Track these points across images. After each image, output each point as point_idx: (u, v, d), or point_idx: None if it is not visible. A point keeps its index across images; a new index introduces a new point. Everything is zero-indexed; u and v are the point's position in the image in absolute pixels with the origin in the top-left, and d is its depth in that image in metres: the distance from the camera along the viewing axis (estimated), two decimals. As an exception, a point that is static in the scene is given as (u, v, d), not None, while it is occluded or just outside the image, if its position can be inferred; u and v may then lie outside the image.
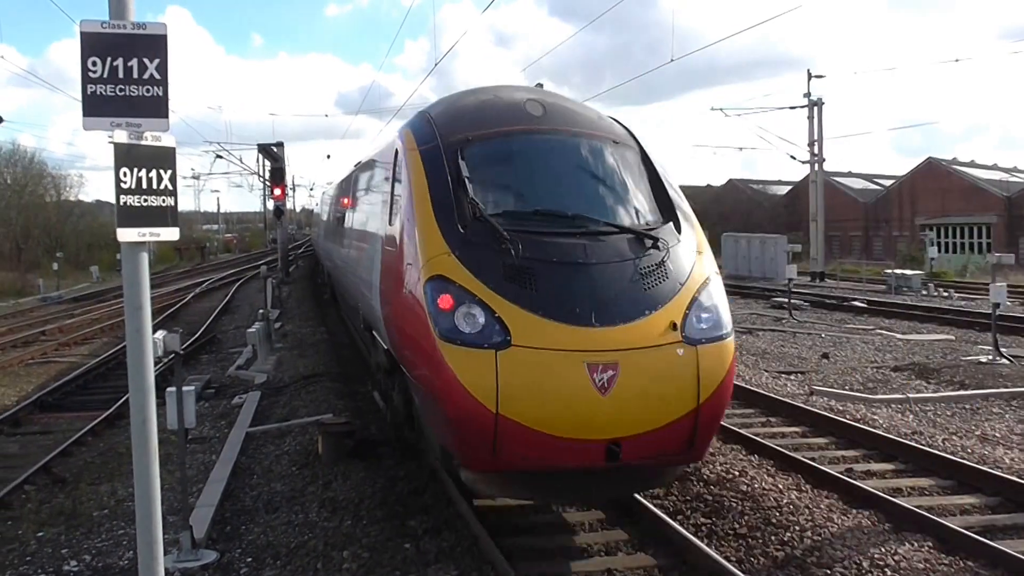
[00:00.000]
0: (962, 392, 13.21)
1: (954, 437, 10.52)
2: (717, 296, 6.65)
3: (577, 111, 7.96)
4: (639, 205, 7.11)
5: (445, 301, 6.01)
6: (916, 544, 6.89)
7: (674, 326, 6.17)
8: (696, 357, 6.10)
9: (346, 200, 15.12)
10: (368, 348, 11.78)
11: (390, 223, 7.95)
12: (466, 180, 6.72)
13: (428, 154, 7.12)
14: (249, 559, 7.14)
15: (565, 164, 7.20)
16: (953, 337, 19.48)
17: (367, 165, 12.25)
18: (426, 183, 6.88)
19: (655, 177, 7.40)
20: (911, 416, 11.76)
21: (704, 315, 6.40)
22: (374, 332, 9.25)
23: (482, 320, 5.92)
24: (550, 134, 7.29)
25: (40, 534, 7.99)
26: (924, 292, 30.76)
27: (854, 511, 7.68)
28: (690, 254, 6.75)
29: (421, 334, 6.17)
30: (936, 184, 64.43)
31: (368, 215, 10.71)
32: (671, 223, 6.97)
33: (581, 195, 7.03)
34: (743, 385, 13.35)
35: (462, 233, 6.40)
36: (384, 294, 7.81)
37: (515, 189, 7.06)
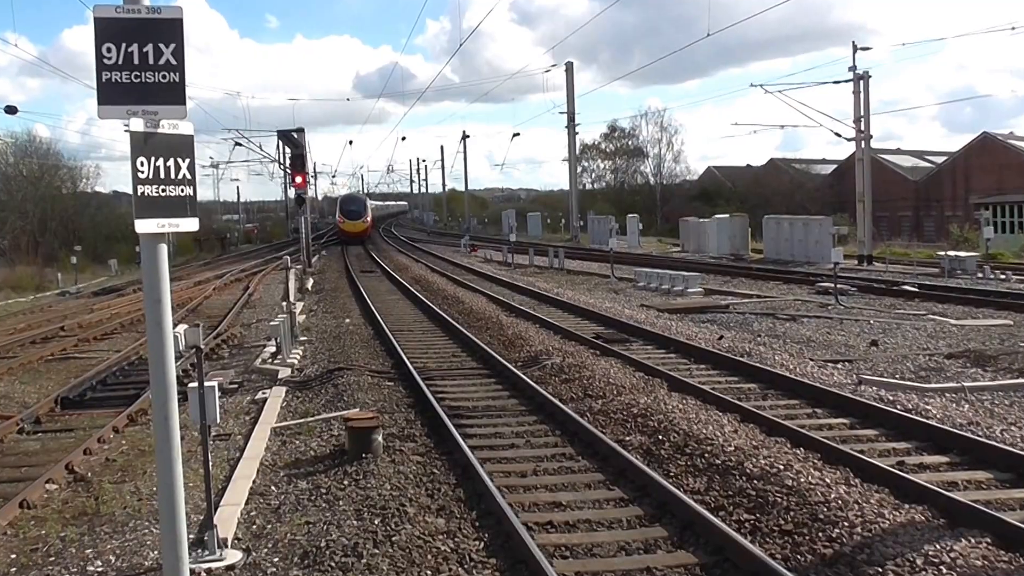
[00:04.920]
0: (1021, 380, 13.04)
1: (1013, 428, 10.38)
2: (369, 217, 70.63)
3: (357, 193, 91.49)
4: (364, 206, 70.31)
5: (340, 218, 69.25)
6: (973, 540, 6.81)
7: (363, 221, 68.42)
8: (367, 223, 69.66)
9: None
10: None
11: (335, 210, 75.69)
12: (341, 204, 71.68)
13: (339, 200, 75.11)
14: (276, 559, 7.21)
15: (354, 201, 71.89)
16: (1012, 322, 19.21)
17: (335, 198, 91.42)
18: (337, 205, 73.57)
19: (367, 201, 73.22)
20: (967, 406, 11.62)
21: (371, 218, 72.04)
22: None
23: (340, 220, 68.69)
24: (356, 197, 76.17)
25: (64, 534, 8.12)
26: (979, 275, 30.33)
27: (906, 506, 7.61)
28: (368, 213, 70.00)
29: (338, 223, 70.61)
30: (991, 160, 63.48)
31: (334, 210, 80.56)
32: (367, 209, 70.95)
33: (355, 204, 70.49)
34: (786, 375, 13.29)
35: (341, 209, 69.92)
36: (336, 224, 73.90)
37: (346, 205, 70.48)
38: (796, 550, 6.97)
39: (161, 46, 5.10)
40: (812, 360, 15.00)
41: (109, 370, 16.87)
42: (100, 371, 16.74)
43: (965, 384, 12.71)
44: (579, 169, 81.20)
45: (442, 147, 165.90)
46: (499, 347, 17.14)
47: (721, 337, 17.42)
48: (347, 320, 22.60)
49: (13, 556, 7.68)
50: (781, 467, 8.70)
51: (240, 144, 60.95)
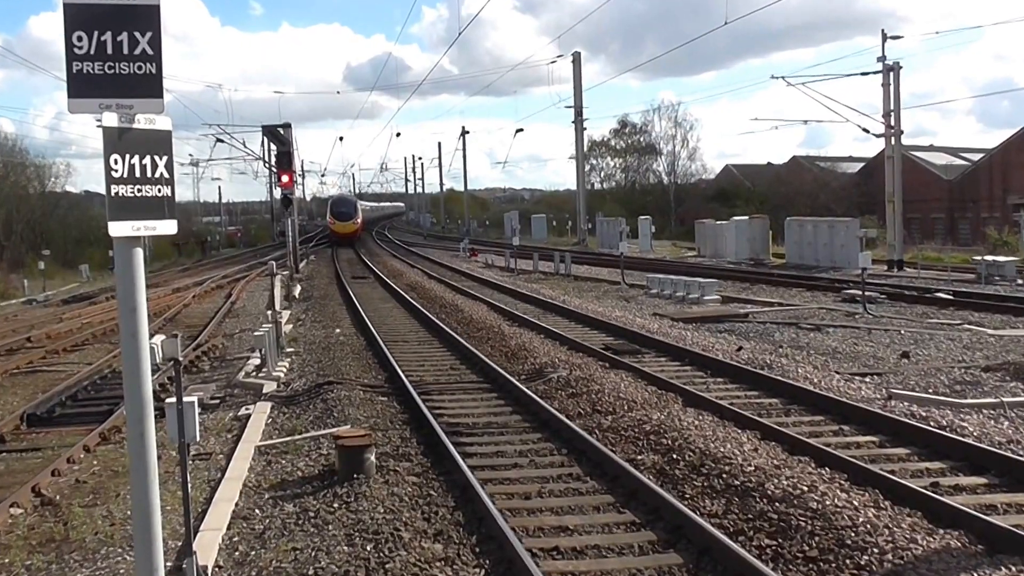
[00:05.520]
0: (1063, 394, 13.01)
1: (1055, 446, 10.37)
2: (360, 219, 76.00)
3: (348, 194, 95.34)
4: (354, 207, 76.12)
5: (331, 220, 75.49)
6: (1014, 568, 6.80)
7: (353, 223, 73.28)
8: (356, 225, 74.94)
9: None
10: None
11: (325, 212, 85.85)
12: (331, 206, 78.00)
13: (329, 202, 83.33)
14: (259, 588, 7.20)
15: (344, 203, 77.79)
16: (1052, 332, 19.20)
17: (324, 199, 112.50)
18: (328, 206, 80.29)
19: (357, 203, 78.72)
20: (1006, 423, 11.60)
21: (360, 220, 76.76)
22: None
23: (331, 221, 74.90)
24: (346, 199, 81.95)
25: (29, 562, 8.11)
26: (1019, 281, 30.31)
27: (941, 531, 7.60)
28: (358, 215, 75.53)
29: (329, 225, 76.49)
30: (1032, 157, 63.38)
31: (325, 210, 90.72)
32: (358, 210, 76.32)
33: (345, 206, 76.44)
34: (810, 389, 13.27)
35: (331, 211, 76.13)
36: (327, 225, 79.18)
37: (337, 207, 76.59)
38: (822, 578, 6.95)
39: (136, 35, 5.09)
40: (838, 373, 14.99)
41: (80, 384, 16.87)
42: (70, 385, 16.75)
43: (1004, 399, 12.68)
44: (587, 168, 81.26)
45: (439, 144, 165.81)
46: (501, 359, 17.13)
47: (740, 348, 17.42)
48: (337, 330, 22.60)
49: (-24, 585, 7.67)
50: (805, 488, 8.68)
51: (222, 140, 60.90)
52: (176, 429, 7.25)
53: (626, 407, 12.60)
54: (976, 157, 73.87)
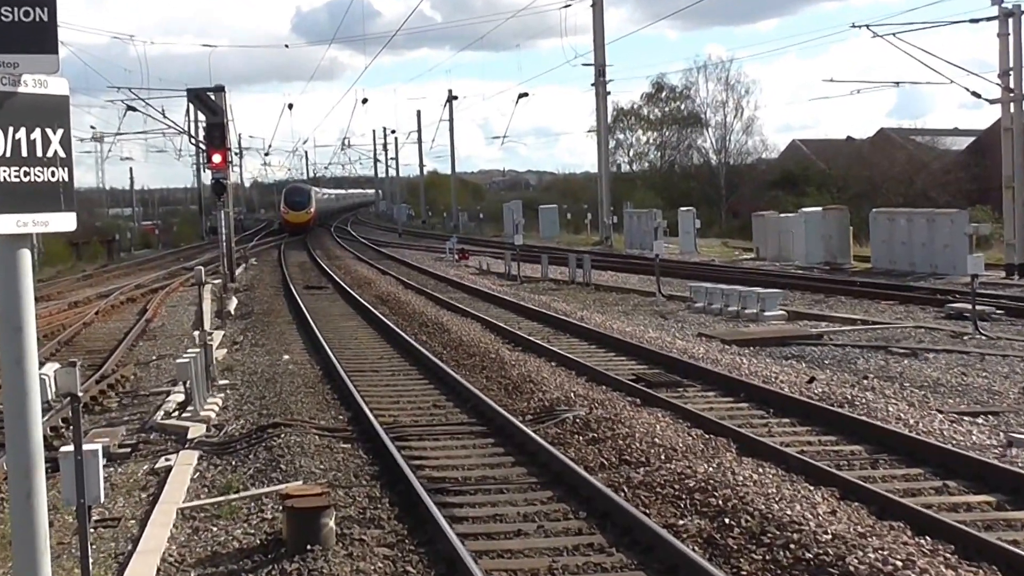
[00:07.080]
0: None
1: None
2: (313, 208, 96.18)
3: (303, 183, 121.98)
4: (308, 197, 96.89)
5: (284, 209, 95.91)
6: None
7: (307, 212, 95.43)
8: (311, 214, 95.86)
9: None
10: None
11: (273, 201, 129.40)
12: (285, 195, 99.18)
13: (283, 191, 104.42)
14: None
15: (298, 193, 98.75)
16: None
17: (280, 186, 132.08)
18: (282, 195, 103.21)
19: (311, 192, 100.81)
20: None
21: (314, 209, 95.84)
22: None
23: (285, 211, 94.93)
24: (300, 188, 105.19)
25: None
26: None
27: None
28: (312, 204, 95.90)
29: (282, 214, 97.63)
30: None
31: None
32: (312, 200, 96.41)
33: (299, 196, 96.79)
34: (905, 432, 13.24)
35: (285, 200, 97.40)
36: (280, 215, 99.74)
37: (291, 196, 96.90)
38: None
39: (22, -30, 5.10)
40: (941, 412, 14.96)
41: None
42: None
43: None
44: (611, 144, 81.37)
45: (419, 113, 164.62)
46: (499, 394, 17.13)
47: (812, 379, 17.40)
48: (286, 356, 22.62)
49: None
50: (899, 563, 8.65)
51: (134, 109, 60.86)
52: (73, 487, 7.24)
53: (663, 457, 12.58)
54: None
